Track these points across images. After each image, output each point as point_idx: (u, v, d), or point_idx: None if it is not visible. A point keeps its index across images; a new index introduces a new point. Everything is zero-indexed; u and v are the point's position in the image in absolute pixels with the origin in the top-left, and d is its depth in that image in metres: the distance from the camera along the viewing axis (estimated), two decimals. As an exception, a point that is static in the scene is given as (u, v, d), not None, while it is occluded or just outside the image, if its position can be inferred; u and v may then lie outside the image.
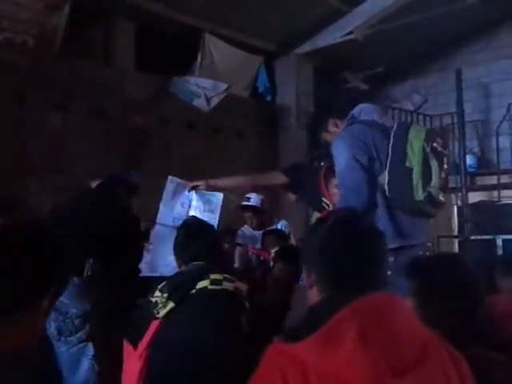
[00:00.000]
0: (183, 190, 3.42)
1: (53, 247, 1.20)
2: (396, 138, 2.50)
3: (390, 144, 2.48)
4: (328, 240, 1.32)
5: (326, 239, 1.33)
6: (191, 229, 2.60)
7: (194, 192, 3.41)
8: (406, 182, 2.42)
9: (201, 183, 3.44)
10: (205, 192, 3.43)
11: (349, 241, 1.31)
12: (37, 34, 5.41)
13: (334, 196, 2.83)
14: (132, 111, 6.24)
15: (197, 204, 3.40)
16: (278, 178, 3.47)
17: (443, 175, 2.50)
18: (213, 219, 3.37)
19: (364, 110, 2.72)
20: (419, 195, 2.43)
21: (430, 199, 2.45)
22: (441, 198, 2.52)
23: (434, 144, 2.49)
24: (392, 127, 2.61)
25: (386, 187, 2.45)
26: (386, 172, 2.47)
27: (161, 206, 3.42)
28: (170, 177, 3.48)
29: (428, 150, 2.46)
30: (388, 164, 2.47)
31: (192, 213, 3.35)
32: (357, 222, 1.38)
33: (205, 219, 3.32)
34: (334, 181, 2.84)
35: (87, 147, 5.76)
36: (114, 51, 6.52)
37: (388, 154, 2.48)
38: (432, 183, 2.42)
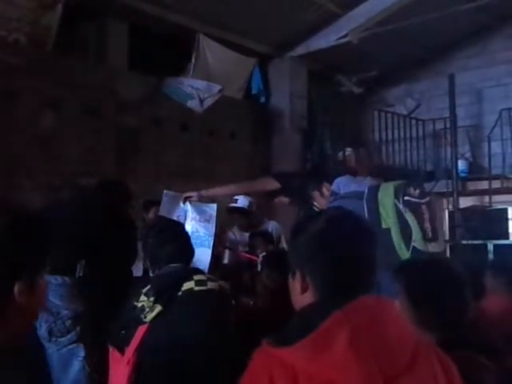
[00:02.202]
0: (178, 202, 3.46)
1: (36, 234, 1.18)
2: (368, 203, 2.44)
3: (365, 209, 2.42)
4: (325, 242, 1.29)
5: (322, 241, 1.30)
6: (162, 231, 2.57)
7: (188, 203, 3.43)
8: (386, 244, 2.32)
9: (193, 194, 3.47)
10: (199, 203, 3.46)
11: (346, 242, 1.29)
12: (29, 33, 5.39)
13: (326, 198, 2.84)
14: (125, 111, 6.22)
15: (192, 215, 3.42)
16: (270, 184, 3.48)
17: (426, 225, 2.39)
18: (210, 228, 3.41)
19: (341, 184, 2.72)
20: (405, 254, 2.33)
21: (417, 253, 2.33)
22: (430, 248, 2.39)
23: (406, 197, 2.40)
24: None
25: None
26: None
27: None
28: (165, 191, 3.53)
29: (400, 205, 2.37)
30: None
31: (188, 223, 3.37)
32: (351, 221, 1.35)
33: (202, 229, 3.35)
34: (326, 185, 2.87)
35: (79, 147, 5.74)
36: (107, 51, 6.50)
37: (366, 217, 2.38)
38: (413, 237, 2.33)
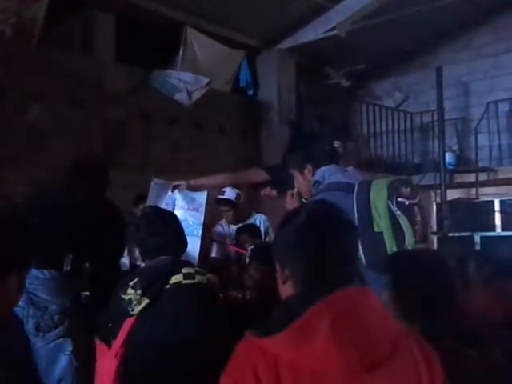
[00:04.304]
0: (166, 190, 3.42)
1: (15, 231, 1.18)
2: (359, 201, 2.35)
3: (355, 208, 2.33)
4: (301, 234, 1.31)
5: (299, 234, 1.31)
6: (151, 222, 2.53)
7: (177, 191, 3.40)
8: (379, 247, 2.27)
9: (182, 183, 3.43)
10: (188, 191, 3.42)
11: (323, 235, 1.30)
12: (15, 24, 5.33)
13: (307, 181, 2.71)
14: (112, 104, 6.17)
15: (181, 203, 3.38)
16: (260, 176, 3.45)
17: (418, 227, 2.33)
18: (198, 217, 3.36)
19: (327, 173, 2.60)
20: None
21: None
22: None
23: (400, 199, 2.32)
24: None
25: (362, 256, 2.23)
26: (359, 240, 2.33)
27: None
28: (154, 178, 3.47)
29: (394, 208, 2.30)
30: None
31: (177, 212, 3.34)
32: (330, 215, 1.36)
33: (190, 218, 3.31)
34: (309, 167, 2.76)
35: (66, 139, 5.69)
36: (94, 42, 6.44)
37: (355, 218, 2.32)
38: (406, 242, 2.28)
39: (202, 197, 3.43)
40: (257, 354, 1.16)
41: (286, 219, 1.39)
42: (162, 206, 3.35)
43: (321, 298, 1.18)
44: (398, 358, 1.19)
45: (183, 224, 3.28)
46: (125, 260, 3.48)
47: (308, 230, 1.31)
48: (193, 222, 3.32)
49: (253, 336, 1.19)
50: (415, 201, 2.37)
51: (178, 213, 3.31)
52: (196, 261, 3.19)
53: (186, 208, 3.37)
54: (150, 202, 3.39)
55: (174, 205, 3.38)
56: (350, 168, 2.68)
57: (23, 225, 1.19)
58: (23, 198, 3.23)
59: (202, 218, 3.38)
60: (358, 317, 1.18)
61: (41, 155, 5.50)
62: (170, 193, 3.40)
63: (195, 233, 3.33)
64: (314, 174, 2.65)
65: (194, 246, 3.24)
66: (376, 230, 2.29)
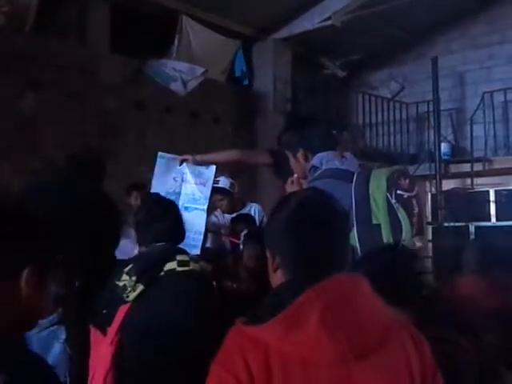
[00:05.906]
0: (174, 164, 3.42)
1: (27, 223, 1.13)
2: (357, 192, 2.35)
3: (353, 200, 2.33)
4: (291, 222, 1.29)
5: (289, 221, 1.30)
6: (153, 207, 2.53)
7: (185, 165, 3.40)
8: (376, 240, 2.28)
9: (189, 157, 3.43)
10: (196, 166, 3.43)
11: (313, 223, 1.28)
12: (8, 12, 5.28)
13: (302, 166, 2.66)
14: (107, 93, 6.15)
15: (189, 178, 3.40)
16: (264, 158, 3.44)
17: (415, 220, 2.34)
18: (205, 192, 3.39)
19: (324, 159, 2.57)
20: None
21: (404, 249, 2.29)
22: (416, 242, 2.39)
23: (399, 191, 2.32)
24: (355, 172, 2.45)
25: (358, 247, 2.28)
26: (355, 231, 2.29)
27: (153, 183, 3.41)
28: (159, 152, 3.48)
29: (393, 200, 2.30)
30: (355, 222, 2.29)
31: (185, 186, 3.36)
32: (321, 202, 1.35)
33: (198, 192, 3.35)
34: (302, 152, 2.75)
35: (61, 129, 5.68)
36: (89, 32, 6.40)
37: (353, 209, 2.33)
38: (403, 235, 2.29)
39: (210, 171, 3.43)
40: (246, 342, 1.15)
41: (276, 207, 1.37)
42: (170, 179, 3.37)
43: (311, 286, 1.17)
44: (388, 347, 1.19)
45: (190, 197, 3.35)
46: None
47: (298, 217, 1.30)
48: (199, 197, 3.37)
49: (243, 324, 1.18)
50: (413, 193, 2.37)
51: (187, 187, 3.34)
52: (202, 234, 3.28)
53: (194, 182, 3.40)
54: (156, 177, 3.40)
55: (183, 179, 3.39)
56: (347, 154, 2.66)
57: (27, 218, 1.14)
58: (17, 188, 3.21)
59: (209, 192, 3.40)
60: (348, 305, 1.18)
61: (36, 145, 5.48)
62: (177, 166, 3.41)
63: (201, 207, 3.37)
64: (306, 159, 2.62)
65: (200, 220, 3.32)
66: (374, 222, 2.29)
